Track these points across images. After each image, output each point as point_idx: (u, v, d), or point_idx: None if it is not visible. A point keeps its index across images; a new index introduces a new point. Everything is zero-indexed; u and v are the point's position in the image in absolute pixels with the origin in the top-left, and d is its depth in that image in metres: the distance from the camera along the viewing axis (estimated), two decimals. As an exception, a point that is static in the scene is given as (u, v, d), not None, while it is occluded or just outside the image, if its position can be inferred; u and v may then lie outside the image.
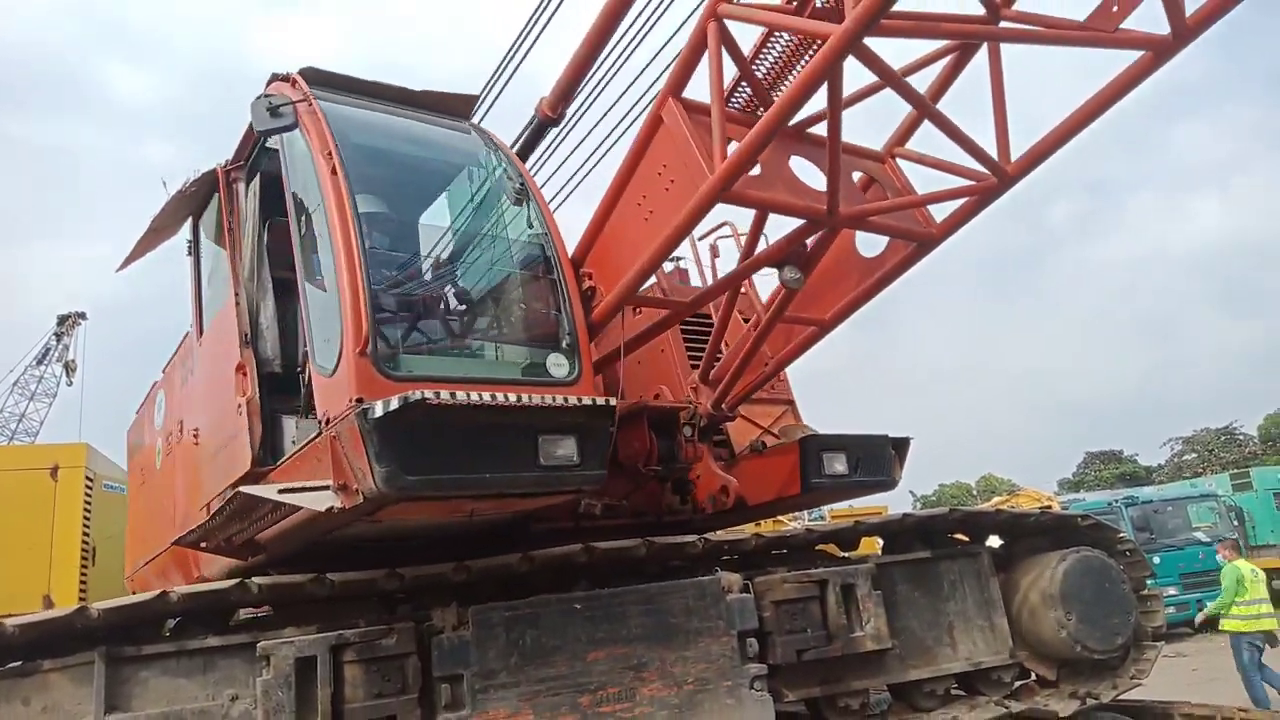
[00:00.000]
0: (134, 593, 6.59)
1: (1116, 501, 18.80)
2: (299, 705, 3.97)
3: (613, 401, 4.09)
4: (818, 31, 3.88)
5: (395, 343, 4.11)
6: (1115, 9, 4.44)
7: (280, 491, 3.66)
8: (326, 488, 3.73)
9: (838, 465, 5.37)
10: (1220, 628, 10.86)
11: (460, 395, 3.68)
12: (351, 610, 4.40)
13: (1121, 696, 5.52)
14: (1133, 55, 4.27)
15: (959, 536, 5.76)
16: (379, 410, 3.56)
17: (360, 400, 3.71)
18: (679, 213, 4.42)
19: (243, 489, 3.73)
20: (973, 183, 4.72)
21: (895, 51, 4.85)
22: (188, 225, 5.95)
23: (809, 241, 4.85)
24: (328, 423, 3.92)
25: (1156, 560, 15.73)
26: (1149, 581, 5.82)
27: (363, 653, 4.13)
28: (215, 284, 5.56)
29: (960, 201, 4.82)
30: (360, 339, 3.87)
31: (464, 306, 4.76)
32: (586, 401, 4.05)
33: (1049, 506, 21.27)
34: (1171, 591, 16.60)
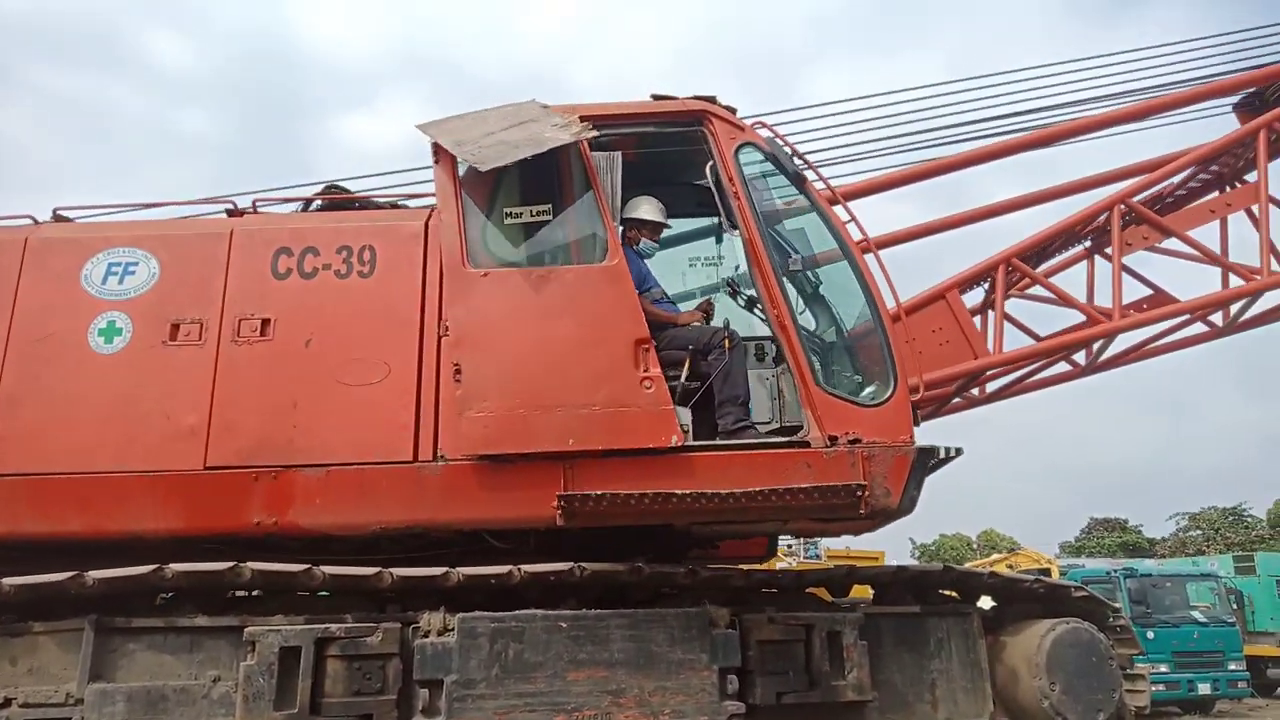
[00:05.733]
0: None
1: (1116, 571, 18.56)
2: (278, 694, 4.03)
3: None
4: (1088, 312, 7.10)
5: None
6: None
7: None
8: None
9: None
10: None
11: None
12: (340, 605, 4.45)
13: (1098, 772, 5.46)
14: None
15: (951, 594, 5.74)
16: (943, 453, 4.93)
17: (909, 439, 4.82)
18: (945, 365, 6.61)
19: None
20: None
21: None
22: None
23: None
24: (853, 441, 4.78)
25: (1150, 635, 15.52)
26: (1137, 659, 5.78)
27: (346, 649, 4.19)
28: (477, 216, 5.08)
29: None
30: (912, 389, 4.93)
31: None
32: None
33: (1047, 569, 21.13)
34: (1163, 669, 16.34)
